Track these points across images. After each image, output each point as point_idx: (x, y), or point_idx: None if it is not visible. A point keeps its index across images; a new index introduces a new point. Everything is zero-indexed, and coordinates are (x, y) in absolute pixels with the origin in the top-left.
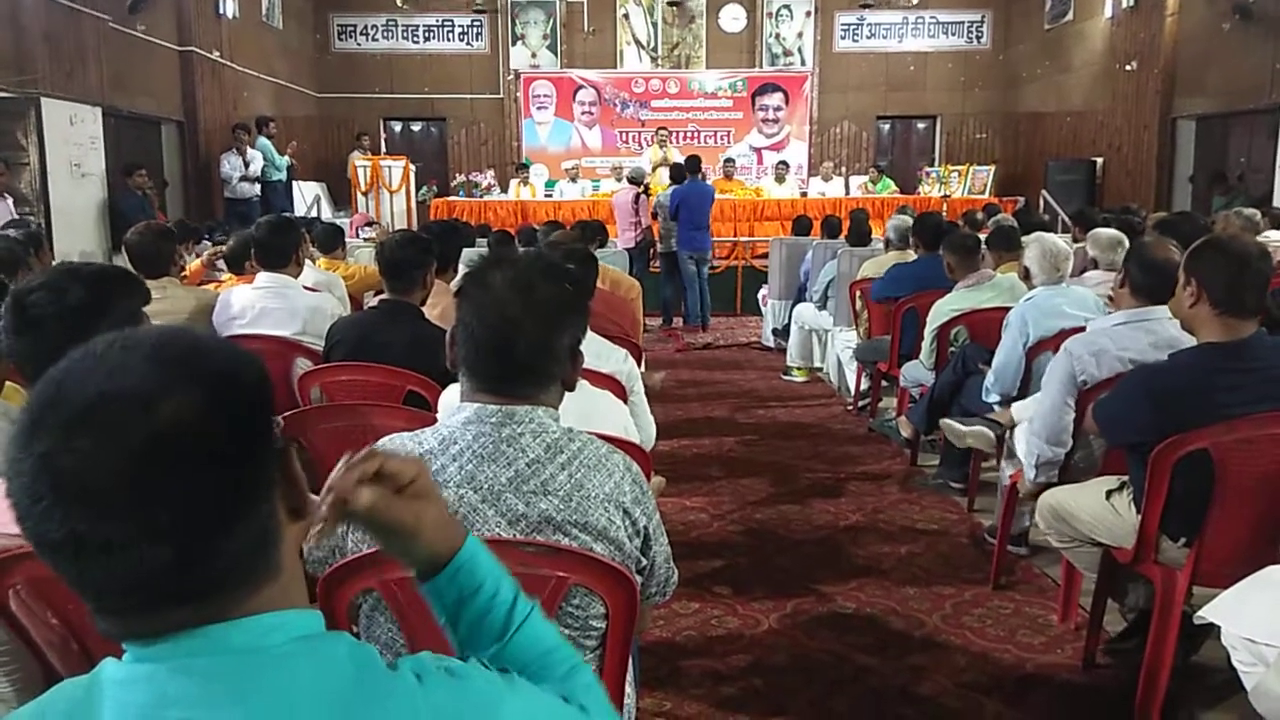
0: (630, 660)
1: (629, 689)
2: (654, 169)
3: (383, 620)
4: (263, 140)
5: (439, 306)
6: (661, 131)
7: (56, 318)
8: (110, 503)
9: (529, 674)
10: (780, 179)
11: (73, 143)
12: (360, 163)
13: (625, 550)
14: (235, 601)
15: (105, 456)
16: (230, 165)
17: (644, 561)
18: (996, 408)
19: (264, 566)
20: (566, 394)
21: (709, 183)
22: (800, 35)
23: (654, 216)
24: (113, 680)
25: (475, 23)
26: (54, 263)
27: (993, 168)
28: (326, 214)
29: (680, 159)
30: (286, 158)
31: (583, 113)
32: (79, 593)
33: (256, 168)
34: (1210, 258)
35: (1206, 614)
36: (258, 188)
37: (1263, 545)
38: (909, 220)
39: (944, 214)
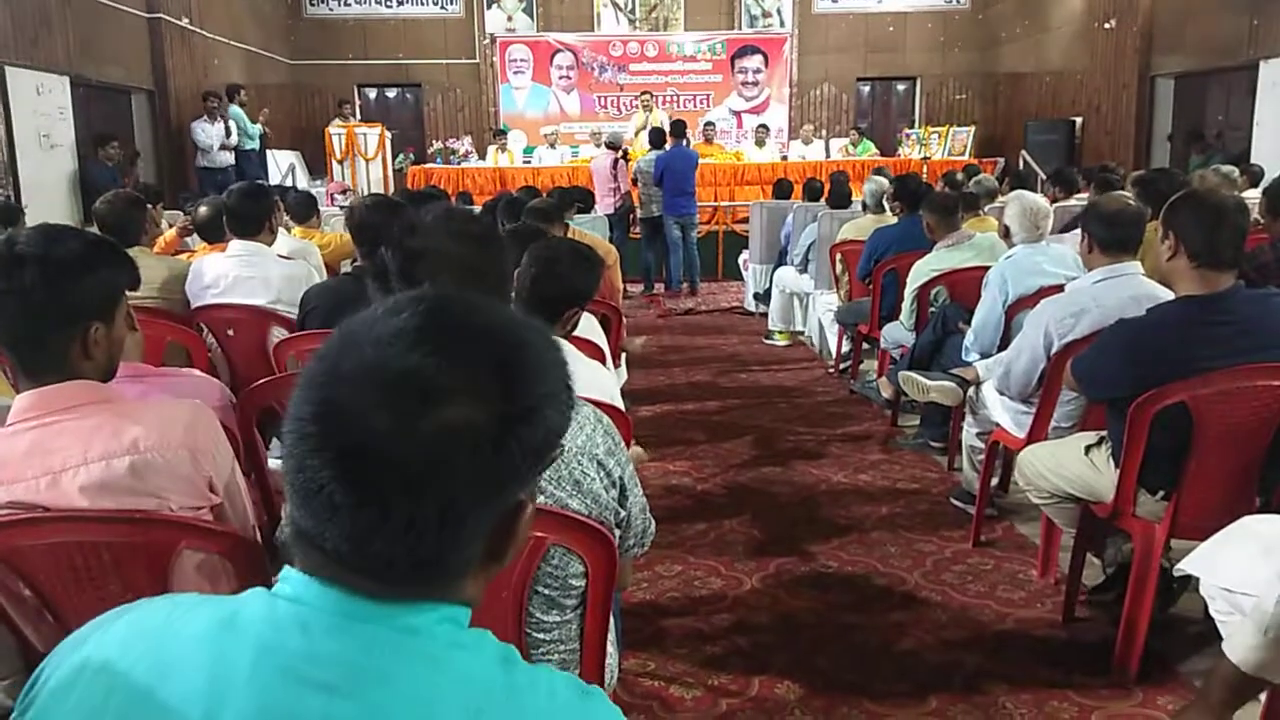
0: (613, 621)
1: (611, 649)
2: (637, 133)
3: None
4: (234, 108)
5: None
6: (646, 95)
7: (39, 261)
8: (377, 473)
9: None
10: (760, 143)
11: (40, 113)
12: (335, 130)
13: (602, 502)
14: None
15: (394, 430)
16: (206, 134)
17: (621, 513)
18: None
19: (446, 581)
20: None
21: (692, 147)
22: None
23: (634, 182)
24: (265, 619)
25: None
26: None
27: (972, 129)
28: (302, 183)
29: (666, 123)
30: (259, 126)
31: (560, 77)
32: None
33: (236, 135)
34: (1188, 211)
35: (1184, 566)
36: (232, 156)
37: (1239, 497)
38: (885, 183)
39: (924, 175)
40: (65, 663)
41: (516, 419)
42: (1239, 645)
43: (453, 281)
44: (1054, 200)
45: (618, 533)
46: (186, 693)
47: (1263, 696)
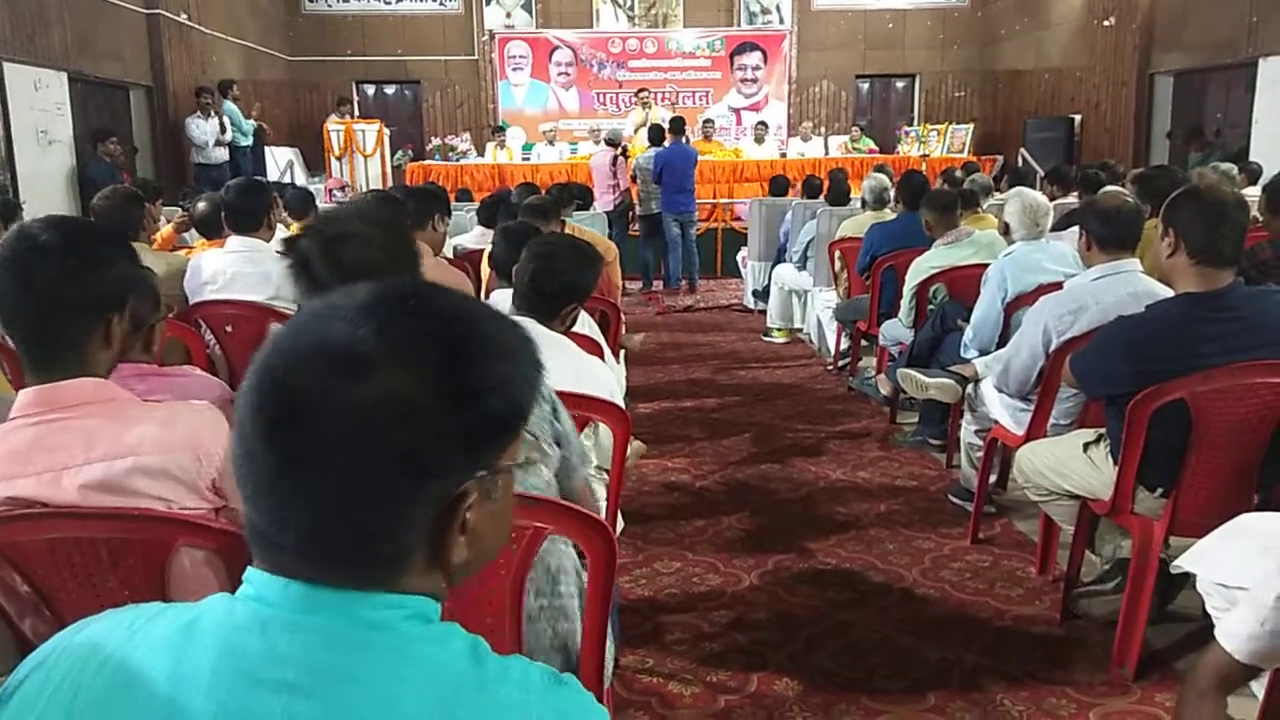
0: (611, 618)
1: (610, 645)
2: (636, 130)
3: None
4: (227, 104)
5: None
6: (644, 92)
7: (63, 252)
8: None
9: None
10: (759, 140)
11: (38, 109)
12: (334, 127)
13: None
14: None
15: (330, 399)
16: (200, 130)
17: (559, 426)
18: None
19: (379, 570)
20: (560, 357)
21: (691, 144)
22: None
23: (633, 179)
24: (224, 623)
25: None
26: None
27: (971, 126)
28: (300, 179)
29: (665, 119)
30: (252, 122)
31: (559, 74)
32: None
33: (230, 131)
34: (1188, 208)
35: (1182, 563)
36: (226, 152)
37: (1238, 494)
38: (885, 180)
39: (924, 173)
40: (32, 675)
41: (451, 399)
42: (1233, 634)
43: (366, 259)
44: (1051, 198)
45: (558, 451)
46: (148, 701)
47: (1259, 692)
